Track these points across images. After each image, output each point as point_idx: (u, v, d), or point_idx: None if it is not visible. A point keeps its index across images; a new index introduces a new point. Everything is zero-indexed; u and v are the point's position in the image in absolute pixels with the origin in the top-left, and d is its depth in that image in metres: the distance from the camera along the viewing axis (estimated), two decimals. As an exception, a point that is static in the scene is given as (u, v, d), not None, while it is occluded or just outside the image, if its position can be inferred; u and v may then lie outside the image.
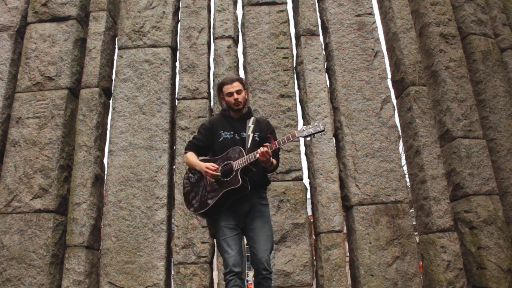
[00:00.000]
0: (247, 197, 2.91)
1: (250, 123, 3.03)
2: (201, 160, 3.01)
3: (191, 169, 3.04)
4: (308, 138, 2.81)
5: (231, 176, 2.82)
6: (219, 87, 3.12)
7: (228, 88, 3.04)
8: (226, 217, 2.90)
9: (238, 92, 3.03)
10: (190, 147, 3.09)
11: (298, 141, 5.14)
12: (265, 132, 3.02)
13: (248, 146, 2.92)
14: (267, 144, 2.79)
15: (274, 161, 2.93)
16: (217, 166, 2.87)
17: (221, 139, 3.00)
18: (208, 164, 2.88)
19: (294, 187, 4.95)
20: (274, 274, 4.56)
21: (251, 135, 2.97)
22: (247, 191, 2.84)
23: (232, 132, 3.01)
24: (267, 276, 2.83)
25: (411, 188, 5.49)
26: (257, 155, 2.75)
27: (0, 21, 5.75)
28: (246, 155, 2.83)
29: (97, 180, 5.10)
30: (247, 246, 3.00)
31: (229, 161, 2.88)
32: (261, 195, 3.02)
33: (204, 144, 3.07)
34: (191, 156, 3.02)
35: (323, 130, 2.76)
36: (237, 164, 2.83)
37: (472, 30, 6.05)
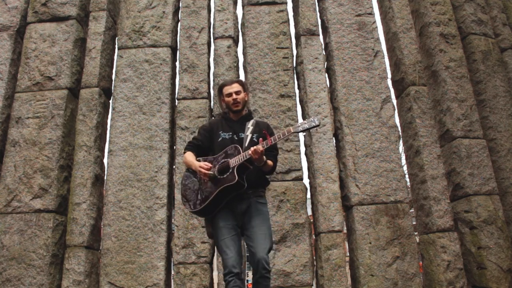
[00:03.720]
0: (245, 196, 2.93)
1: (250, 125, 3.06)
2: (198, 161, 3.04)
3: (189, 168, 3.08)
4: (304, 134, 2.82)
5: (228, 173, 2.84)
6: (219, 89, 3.19)
7: (227, 89, 3.11)
8: (224, 217, 2.91)
9: (237, 93, 3.09)
10: (190, 147, 3.14)
11: (299, 140, 5.14)
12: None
13: (246, 145, 2.94)
14: (262, 139, 2.81)
15: (270, 162, 2.93)
16: (210, 165, 2.90)
17: (220, 139, 3.04)
18: (202, 163, 2.92)
19: (294, 187, 4.95)
20: (274, 274, 4.56)
21: (250, 135, 3.00)
22: (244, 188, 2.85)
23: (230, 133, 3.05)
24: (265, 275, 2.80)
25: (411, 188, 5.49)
26: (249, 153, 2.77)
27: (0, 21, 5.75)
28: (243, 152, 2.86)
29: (97, 180, 5.10)
30: (246, 246, 3.00)
31: (226, 159, 2.90)
32: (259, 194, 3.02)
33: (203, 144, 3.11)
34: (189, 156, 3.07)
35: (318, 125, 2.77)
36: (233, 161, 2.85)
37: (472, 30, 6.04)
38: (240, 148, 2.90)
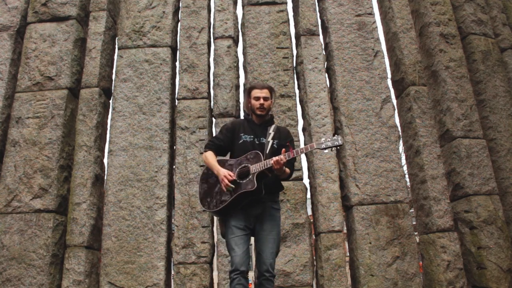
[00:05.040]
0: (261, 200, 2.99)
1: (271, 130, 3.12)
2: (219, 161, 3.07)
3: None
4: (326, 151, 2.94)
5: (247, 179, 2.89)
6: (249, 90, 3.22)
7: (256, 93, 3.15)
8: (237, 217, 2.97)
9: (265, 99, 3.13)
10: (211, 145, 3.16)
11: (299, 140, 5.14)
12: (284, 140, 3.11)
13: (267, 152, 2.99)
14: (284, 150, 2.88)
15: (288, 170, 3.01)
16: (233, 177, 2.91)
17: (241, 141, 3.08)
18: (226, 173, 2.93)
19: (294, 187, 4.95)
20: (274, 274, 4.56)
21: (271, 141, 3.05)
22: (262, 194, 2.91)
23: (252, 136, 3.09)
24: (269, 278, 2.91)
25: (411, 188, 5.49)
26: (271, 162, 2.83)
27: (0, 21, 5.75)
28: (264, 160, 2.90)
29: (97, 180, 5.10)
30: (254, 247, 3.08)
31: (246, 164, 2.95)
32: (274, 199, 3.10)
33: (224, 144, 3.14)
34: (210, 156, 3.08)
35: (341, 145, 2.89)
36: (254, 168, 2.90)
37: (472, 30, 6.05)
38: (261, 155, 2.94)
